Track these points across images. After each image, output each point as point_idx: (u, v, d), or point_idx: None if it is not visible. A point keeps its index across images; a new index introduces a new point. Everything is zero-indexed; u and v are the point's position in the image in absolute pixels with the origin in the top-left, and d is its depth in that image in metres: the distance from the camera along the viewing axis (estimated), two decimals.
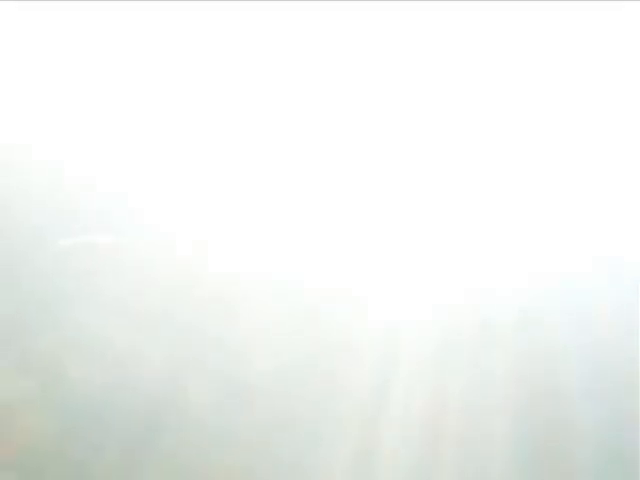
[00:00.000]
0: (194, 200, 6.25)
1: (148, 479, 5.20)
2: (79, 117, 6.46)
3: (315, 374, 5.36)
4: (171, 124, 6.46)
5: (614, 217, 5.47)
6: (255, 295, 5.61)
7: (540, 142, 5.73)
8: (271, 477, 5.13)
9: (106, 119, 6.47)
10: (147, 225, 6.12)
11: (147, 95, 6.48)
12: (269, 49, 6.55)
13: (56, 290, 5.80)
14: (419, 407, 5.16)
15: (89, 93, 6.51)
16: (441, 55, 5.86)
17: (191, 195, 6.29)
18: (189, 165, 6.39)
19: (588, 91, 5.78)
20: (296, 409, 5.30)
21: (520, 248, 5.42)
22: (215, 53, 6.72)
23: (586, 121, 5.74)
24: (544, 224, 5.50)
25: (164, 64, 6.57)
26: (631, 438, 4.77)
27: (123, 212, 6.15)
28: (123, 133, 6.44)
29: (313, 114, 6.23)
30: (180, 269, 5.93)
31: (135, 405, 5.44)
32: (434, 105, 5.89)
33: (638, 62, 5.66)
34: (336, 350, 5.32)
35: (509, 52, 5.77)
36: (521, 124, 5.80)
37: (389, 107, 6.07)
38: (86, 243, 6.08)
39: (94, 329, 5.73)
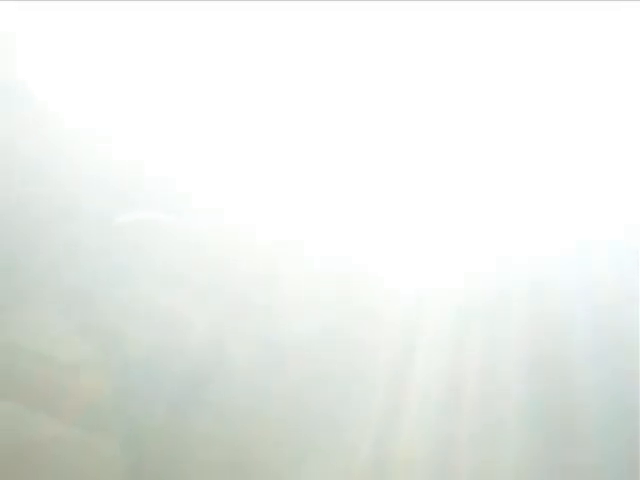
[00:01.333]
0: (241, 180, 6.65)
1: (196, 429, 5.80)
2: (125, 100, 6.83)
3: (346, 336, 5.89)
4: (214, 108, 6.79)
5: (620, 198, 5.81)
6: (293, 267, 6.12)
7: (540, 133, 5.97)
8: (305, 426, 5.71)
9: (152, 102, 6.83)
10: (199, 204, 6.57)
11: (186, 82, 6.83)
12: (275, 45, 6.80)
13: (116, 263, 6.34)
14: (441, 366, 5.67)
15: (132, 78, 6.87)
16: (441, 54, 5.99)
17: (237, 174, 6.68)
18: (234, 145, 6.76)
19: (587, 88, 5.92)
20: (328, 367, 5.85)
21: (532, 225, 5.83)
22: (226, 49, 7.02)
23: (585, 117, 5.92)
24: (554, 203, 5.86)
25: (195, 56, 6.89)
26: (630, 391, 5.27)
27: (176, 192, 6.60)
28: (170, 116, 6.81)
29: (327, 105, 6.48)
30: (227, 244, 6.43)
31: (185, 364, 6.03)
32: (436, 100, 6.03)
33: (638, 62, 5.72)
34: (365, 315, 5.85)
35: (508, 50, 5.85)
36: (521, 118, 6.02)
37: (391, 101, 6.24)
38: (143, 221, 6.60)
39: (149, 298, 6.29)
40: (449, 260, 5.62)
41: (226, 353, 6.03)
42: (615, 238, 5.52)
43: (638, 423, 4.98)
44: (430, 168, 5.92)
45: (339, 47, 6.37)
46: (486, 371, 5.42)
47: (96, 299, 6.22)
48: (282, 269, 6.05)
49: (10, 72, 6.35)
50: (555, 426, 5.18)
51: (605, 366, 5.23)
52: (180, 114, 6.86)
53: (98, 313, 6.23)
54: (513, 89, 5.98)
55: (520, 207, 5.71)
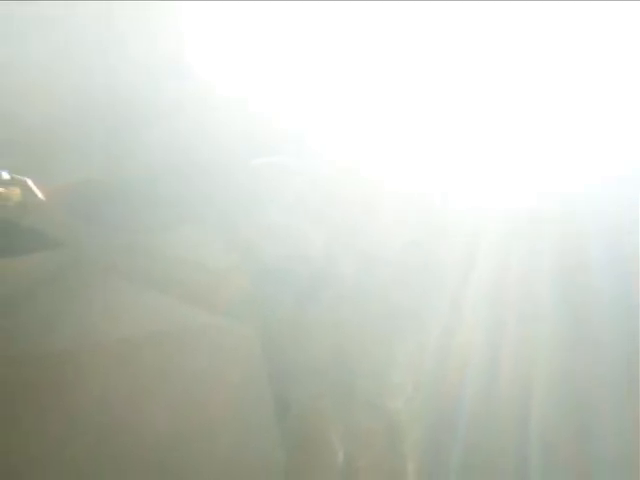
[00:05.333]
0: (363, 130, 7.49)
1: (313, 318, 7.34)
2: (271, 65, 7.33)
3: (425, 250, 7.34)
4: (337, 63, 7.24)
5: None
6: (388, 197, 7.50)
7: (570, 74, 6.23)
8: (394, 317, 7.34)
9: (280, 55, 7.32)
10: (322, 148, 7.15)
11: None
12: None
13: (252, 195, 7.15)
14: (494, 272, 7.13)
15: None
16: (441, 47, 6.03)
17: (361, 126, 7.49)
18: (361, 95, 7.35)
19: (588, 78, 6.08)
20: (412, 273, 7.41)
21: (563, 164, 6.84)
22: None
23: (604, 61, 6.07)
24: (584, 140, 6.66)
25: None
26: (633, 292, 6.60)
27: (305, 145, 7.47)
28: (299, 67, 7.37)
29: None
30: (339, 183, 7.58)
31: (306, 270, 7.53)
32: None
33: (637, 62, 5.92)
34: (439, 233, 7.28)
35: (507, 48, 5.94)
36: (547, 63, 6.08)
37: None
38: (275, 163, 7.21)
39: (279, 221, 7.58)
40: (502, 191, 6.98)
41: (336, 262, 7.50)
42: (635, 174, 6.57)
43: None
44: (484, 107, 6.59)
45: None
46: (527, 275, 7.00)
47: (239, 221, 7.49)
48: (379, 199, 7.53)
49: (174, 41, 6.44)
50: (577, 314, 6.68)
51: (617, 274, 6.62)
52: (318, 76, 6.40)
53: (241, 232, 7.50)
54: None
55: (555, 146, 6.69)
